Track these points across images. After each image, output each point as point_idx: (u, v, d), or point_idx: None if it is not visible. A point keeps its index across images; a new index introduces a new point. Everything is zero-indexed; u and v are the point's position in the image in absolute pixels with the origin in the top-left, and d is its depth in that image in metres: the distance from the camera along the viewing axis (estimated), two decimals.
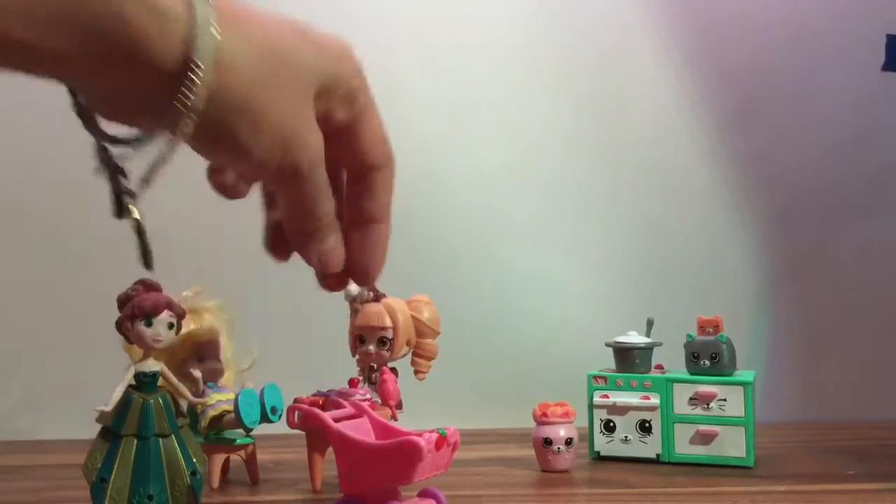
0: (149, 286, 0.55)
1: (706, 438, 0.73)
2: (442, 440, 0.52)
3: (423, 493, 0.56)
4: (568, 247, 1.00)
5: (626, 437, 0.75)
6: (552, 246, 1.00)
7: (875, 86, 0.96)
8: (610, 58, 1.00)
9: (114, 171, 0.38)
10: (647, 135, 1.00)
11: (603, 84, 1.00)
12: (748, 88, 1.00)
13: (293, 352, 0.92)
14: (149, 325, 0.54)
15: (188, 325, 0.65)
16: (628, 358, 0.76)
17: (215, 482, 0.67)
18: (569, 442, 0.71)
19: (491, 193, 0.99)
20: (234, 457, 0.69)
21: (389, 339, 0.66)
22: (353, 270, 0.43)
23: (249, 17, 0.36)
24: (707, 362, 0.74)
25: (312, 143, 0.38)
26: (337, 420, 0.55)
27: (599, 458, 0.76)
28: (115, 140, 0.37)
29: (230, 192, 0.41)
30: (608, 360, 0.78)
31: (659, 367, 0.78)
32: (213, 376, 0.68)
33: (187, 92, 0.34)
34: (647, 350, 0.76)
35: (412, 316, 0.67)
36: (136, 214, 0.38)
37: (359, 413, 0.57)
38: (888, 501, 0.62)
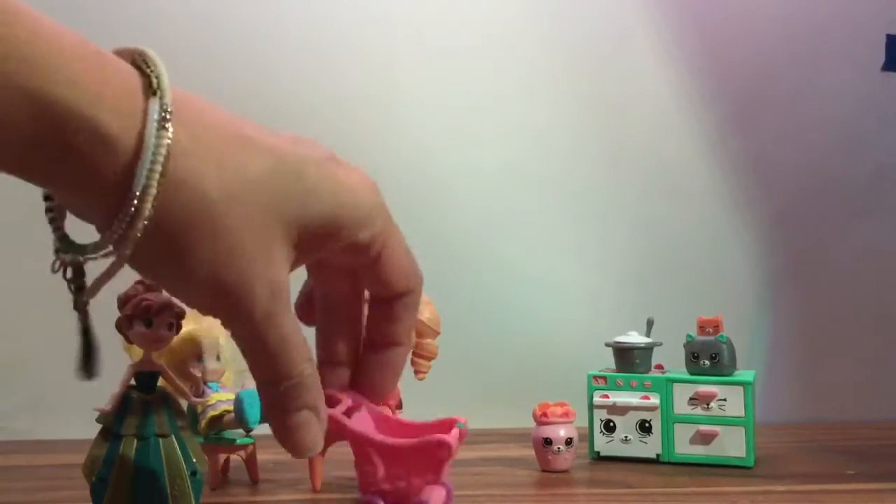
0: (149, 286, 0.55)
1: (706, 438, 0.73)
2: (463, 434, 0.51)
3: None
4: (568, 247, 1.00)
5: (626, 437, 0.75)
6: (552, 246, 1.00)
7: (875, 86, 0.96)
8: (610, 58, 1.00)
9: (67, 268, 0.37)
10: (647, 135, 1.01)
11: (603, 84, 1.00)
12: (748, 88, 1.00)
13: None
14: (149, 325, 0.54)
15: (188, 325, 0.65)
16: (628, 358, 0.76)
17: (215, 482, 0.67)
18: (569, 442, 0.71)
19: (491, 193, 0.99)
20: (234, 457, 0.69)
21: None
22: (363, 388, 0.43)
23: (218, 146, 0.33)
24: (707, 362, 0.74)
25: (261, 294, 0.35)
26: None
27: (599, 458, 0.76)
28: (69, 245, 0.36)
29: None
30: (608, 360, 0.78)
31: (659, 367, 0.78)
32: (213, 376, 0.68)
33: (123, 222, 0.32)
34: (647, 350, 0.76)
35: None
36: (84, 319, 0.38)
37: (356, 405, 0.56)
38: (888, 501, 0.62)
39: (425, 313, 0.68)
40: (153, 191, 0.31)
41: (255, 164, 0.34)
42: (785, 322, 0.99)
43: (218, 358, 0.68)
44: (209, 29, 0.97)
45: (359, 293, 0.43)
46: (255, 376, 0.37)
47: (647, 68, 1.00)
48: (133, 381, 0.55)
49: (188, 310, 0.61)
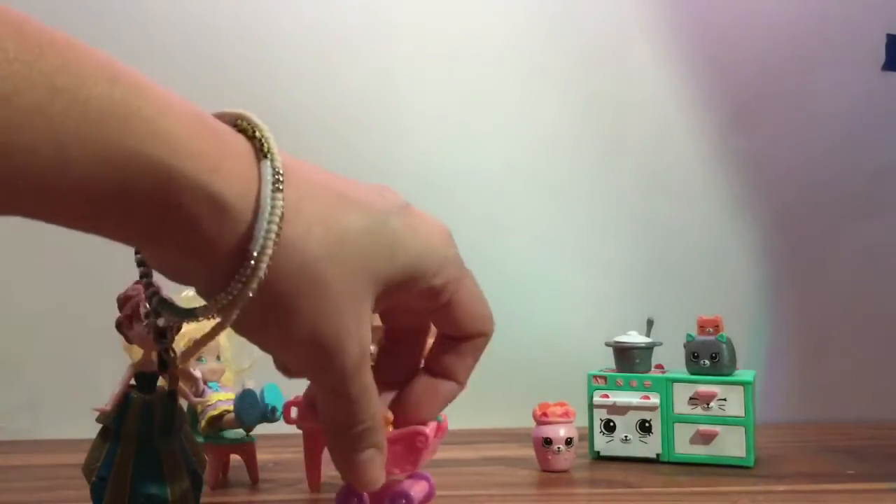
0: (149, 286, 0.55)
1: (706, 438, 0.73)
2: (440, 427, 0.53)
3: (413, 476, 0.56)
4: (568, 247, 1.00)
5: (626, 436, 0.75)
6: (552, 246, 1.00)
7: (875, 86, 0.96)
8: (611, 59, 1.00)
9: (158, 333, 0.39)
10: (647, 135, 1.01)
11: (604, 85, 1.00)
12: (748, 88, 1.00)
13: None
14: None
15: (188, 325, 0.65)
16: (628, 358, 0.76)
17: (215, 482, 0.67)
18: (569, 442, 0.71)
19: (491, 194, 0.99)
20: (234, 457, 0.69)
21: None
22: (406, 406, 0.43)
23: (318, 210, 0.34)
24: (707, 362, 0.74)
25: (352, 350, 0.36)
26: None
27: (599, 458, 0.76)
28: (173, 309, 0.37)
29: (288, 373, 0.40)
30: (608, 360, 0.78)
31: (659, 366, 0.78)
32: (213, 376, 0.68)
33: (239, 283, 0.33)
34: (647, 350, 0.76)
35: None
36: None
37: None
38: (888, 501, 0.62)
39: None
40: (269, 251, 0.32)
41: (353, 222, 0.35)
42: (785, 322, 0.99)
43: (218, 358, 0.68)
44: (210, 31, 0.97)
45: (425, 328, 0.44)
46: (328, 421, 0.38)
47: (648, 69, 1.00)
48: (133, 381, 0.55)
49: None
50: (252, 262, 0.32)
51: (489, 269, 0.99)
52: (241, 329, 0.36)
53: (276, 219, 0.32)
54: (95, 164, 0.29)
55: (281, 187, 0.33)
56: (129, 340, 0.56)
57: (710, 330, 0.74)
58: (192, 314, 0.35)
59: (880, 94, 0.98)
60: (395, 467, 0.53)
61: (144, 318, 0.38)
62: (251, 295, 0.33)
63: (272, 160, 0.33)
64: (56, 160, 0.28)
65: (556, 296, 0.99)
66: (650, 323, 0.77)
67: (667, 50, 1.00)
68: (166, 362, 0.40)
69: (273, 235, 0.32)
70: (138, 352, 0.55)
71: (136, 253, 0.38)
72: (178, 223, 0.31)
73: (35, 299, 0.96)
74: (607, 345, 0.77)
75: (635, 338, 0.76)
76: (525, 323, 0.98)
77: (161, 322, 0.38)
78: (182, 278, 0.35)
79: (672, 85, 1.00)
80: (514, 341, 0.98)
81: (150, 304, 0.37)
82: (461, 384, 0.43)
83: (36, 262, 0.95)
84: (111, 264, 0.88)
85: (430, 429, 0.51)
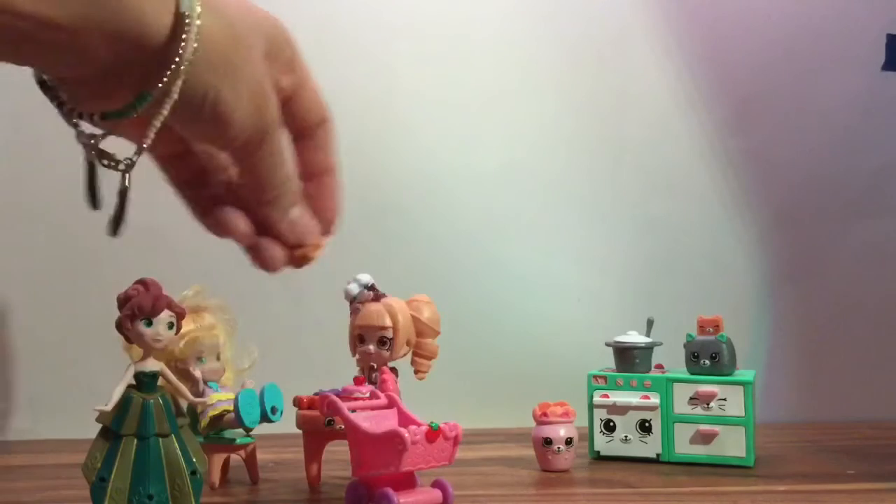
0: (149, 286, 0.55)
1: (706, 438, 0.73)
2: (434, 433, 0.54)
3: (434, 484, 0.58)
4: (568, 247, 1.00)
5: (626, 436, 0.75)
6: (552, 246, 1.00)
7: (875, 86, 0.96)
8: (610, 58, 1.00)
9: (97, 153, 0.38)
10: (647, 135, 1.01)
11: (603, 84, 1.00)
12: (748, 88, 1.00)
13: (293, 352, 0.92)
14: (149, 325, 0.54)
15: (188, 325, 0.65)
16: (628, 358, 0.76)
17: (215, 482, 0.67)
18: (569, 442, 0.71)
19: (491, 193, 0.99)
20: (234, 457, 0.69)
21: (389, 339, 0.66)
22: (316, 214, 0.45)
23: None
24: (707, 362, 0.74)
25: (275, 102, 0.39)
26: (373, 409, 0.60)
27: (599, 458, 0.76)
28: (104, 116, 0.37)
29: (222, 227, 0.42)
30: (608, 360, 0.78)
31: (659, 366, 0.78)
32: (213, 376, 0.68)
33: (180, 48, 0.34)
34: (647, 350, 0.76)
35: (412, 316, 0.67)
36: (127, 182, 0.39)
37: (391, 404, 0.61)
38: (888, 501, 0.62)
39: (425, 313, 0.68)
40: (198, 9, 0.35)
41: None
42: (785, 322, 0.99)
43: (218, 358, 0.68)
44: None
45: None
46: (258, 195, 0.41)
47: (648, 69, 1.00)
48: (133, 381, 0.55)
49: (188, 310, 0.61)
50: (186, 18, 0.34)
51: (489, 268, 1.00)
52: (184, 110, 0.36)
53: None
54: None
55: None
56: (129, 340, 0.56)
57: (710, 330, 0.74)
58: (137, 104, 0.36)
59: (880, 94, 0.98)
60: (382, 466, 0.56)
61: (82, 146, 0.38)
62: (194, 49, 0.35)
63: None
64: None
65: (556, 296, 0.99)
66: (650, 323, 0.77)
67: (667, 49, 1.00)
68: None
69: None
70: (138, 352, 0.55)
71: (53, 97, 0.38)
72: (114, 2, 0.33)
73: (35, 299, 0.96)
74: (607, 345, 0.77)
75: (635, 338, 0.77)
76: (525, 323, 0.98)
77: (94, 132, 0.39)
78: (112, 86, 0.36)
79: (672, 84, 1.00)
80: (514, 341, 0.98)
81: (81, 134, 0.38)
82: (335, 174, 0.46)
83: (36, 262, 0.95)
84: (111, 264, 0.89)
85: (409, 431, 0.54)
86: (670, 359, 0.77)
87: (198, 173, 0.42)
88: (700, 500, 0.63)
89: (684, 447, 0.74)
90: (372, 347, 0.66)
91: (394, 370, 0.67)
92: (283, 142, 0.40)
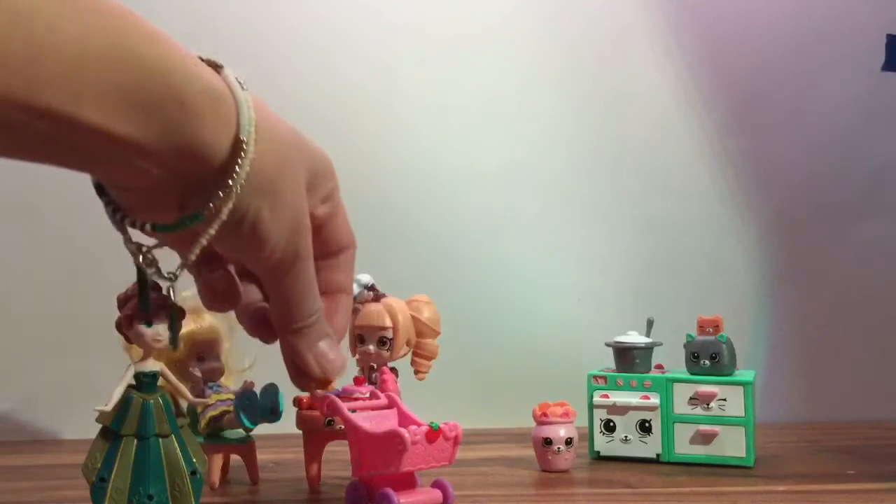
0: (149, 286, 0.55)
1: (706, 438, 0.73)
2: (434, 433, 0.55)
3: (434, 484, 0.59)
4: (568, 246, 1.00)
5: (626, 436, 0.75)
6: (552, 246, 1.00)
7: (875, 86, 0.96)
8: (610, 58, 1.00)
9: (146, 261, 0.40)
10: (647, 134, 1.01)
11: (603, 84, 1.00)
12: (748, 88, 1.00)
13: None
14: (149, 325, 0.54)
15: (188, 325, 0.65)
16: (628, 358, 0.76)
17: (215, 482, 0.67)
18: (569, 442, 0.71)
19: (491, 193, 0.99)
20: (234, 457, 0.69)
21: (389, 339, 0.66)
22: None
23: (262, 104, 0.39)
24: (707, 362, 0.74)
25: (309, 230, 0.40)
26: (373, 409, 0.60)
27: (599, 458, 0.76)
28: (154, 227, 0.38)
29: (222, 298, 0.44)
30: (608, 360, 0.78)
31: (659, 366, 0.78)
32: (213, 376, 0.68)
33: (235, 172, 0.36)
34: (647, 350, 0.76)
35: (412, 316, 0.67)
36: (173, 295, 0.43)
37: (391, 404, 0.61)
38: (888, 501, 0.62)
39: (425, 313, 0.68)
40: (254, 135, 0.36)
41: (286, 125, 0.40)
42: (785, 322, 0.99)
43: (218, 358, 0.68)
44: (207, 28, 0.97)
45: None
46: (284, 320, 0.42)
47: (647, 68, 1.00)
48: (133, 381, 0.55)
49: (188, 310, 0.61)
50: (244, 144, 0.36)
51: (489, 268, 1.00)
52: (226, 231, 0.37)
53: (252, 107, 0.37)
54: (109, 58, 0.32)
55: (245, 87, 0.38)
56: (129, 340, 0.56)
57: (710, 330, 0.74)
58: (189, 221, 0.37)
59: (880, 94, 0.98)
60: (382, 466, 0.56)
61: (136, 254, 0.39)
62: (248, 174, 0.36)
63: (225, 69, 0.38)
64: (78, 53, 0.31)
65: (556, 296, 0.99)
66: (650, 323, 0.77)
67: (667, 49, 1.00)
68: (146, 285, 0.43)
69: (253, 121, 0.36)
70: (138, 352, 0.55)
71: (108, 204, 0.39)
72: (182, 110, 0.34)
73: (34, 299, 0.96)
74: (607, 345, 0.77)
75: (635, 338, 0.76)
76: (525, 323, 0.98)
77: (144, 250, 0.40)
78: (165, 201, 0.37)
79: (672, 84, 1.00)
80: (514, 341, 0.98)
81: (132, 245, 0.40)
82: (350, 293, 0.49)
83: (36, 262, 0.95)
84: (111, 264, 0.89)
85: (409, 431, 0.54)
86: (670, 359, 0.77)
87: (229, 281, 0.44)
88: (700, 500, 0.63)
89: (684, 447, 0.74)
90: (372, 347, 0.66)
91: (394, 370, 0.67)
92: (313, 268, 0.41)
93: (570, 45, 1.00)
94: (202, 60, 0.39)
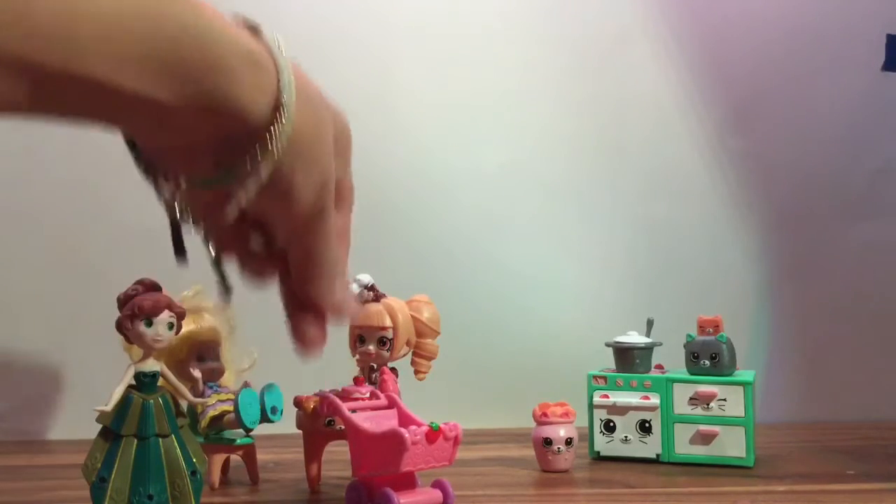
0: (149, 286, 0.55)
1: (706, 438, 0.73)
2: (434, 434, 0.55)
3: (434, 484, 0.59)
4: (568, 247, 1.00)
5: (626, 437, 0.75)
6: (552, 246, 1.00)
7: (875, 86, 0.96)
8: (610, 58, 1.00)
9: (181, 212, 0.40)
10: (647, 135, 1.00)
11: (603, 84, 1.00)
12: (748, 88, 1.00)
13: (293, 352, 0.92)
14: (149, 325, 0.54)
15: (188, 325, 0.65)
16: (628, 358, 0.76)
17: (215, 482, 0.67)
18: (569, 442, 0.71)
19: (491, 194, 0.99)
20: (234, 457, 0.69)
21: (389, 339, 0.66)
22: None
23: (297, 66, 0.39)
24: (707, 362, 0.74)
25: (334, 183, 0.41)
26: (373, 409, 0.60)
27: (599, 458, 0.76)
28: (194, 182, 0.39)
29: (260, 275, 0.46)
30: (608, 360, 0.78)
31: (659, 367, 0.78)
32: (213, 376, 0.68)
33: (275, 134, 0.36)
34: (647, 350, 0.76)
35: (412, 316, 0.67)
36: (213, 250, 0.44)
37: (391, 404, 0.62)
38: (888, 501, 0.62)
39: (425, 313, 0.68)
40: (294, 98, 0.37)
41: (315, 84, 0.41)
42: (785, 322, 0.99)
43: (218, 358, 0.68)
44: None
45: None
46: (308, 273, 0.43)
47: (647, 69, 1.00)
48: (133, 381, 0.55)
49: (188, 310, 0.61)
50: (284, 108, 0.36)
51: (489, 268, 1.00)
52: (261, 190, 0.38)
53: (291, 71, 0.37)
54: (149, 23, 0.33)
55: (283, 50, 0.38)
56: (129, 340, 0.56)
57: (710, 330, 0.74)
58: (226, 178, 0.37)
59: (880, 94, 0.98)
60: (381, 466, 0.56)
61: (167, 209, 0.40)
62: (288, 136, 0.36)
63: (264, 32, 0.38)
64: (116, 14, 0.32)
65: (556, 296, 0.99)
66: (650, 323, 0.77)
67: (666, 49, 1.00)
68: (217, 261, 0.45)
69: (293, 84, 0.37)
70: (138, 352, 0.56)
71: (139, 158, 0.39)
72: (223, 77, 0.35)
73: (34, 299, 0.95)
74: (607, 345, 0.77)
75: (635, 338, 0.76)
76: (525, 323, 0.98)
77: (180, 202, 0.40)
78: (203, 160, 0.37)
79: (671, 84, 1.00)
80: (514, 341, 0.98)
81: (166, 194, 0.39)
82: (349, 243, 0.49)
83: (36, 262, 0.95)
84: (111, 264, 0.89)
85: (409, 431, 0.54)
86: (670, 359, 0.77)
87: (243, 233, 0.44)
88: (700, 501, 0.63)
89: (684, 447, 0.74)
90: (372, 348, 0.66)
91: (394, 370, 0.67)
92: (334, 223, 0.43)
93: (571, 45, 1.00)
94: (239, 22, 0.40)
